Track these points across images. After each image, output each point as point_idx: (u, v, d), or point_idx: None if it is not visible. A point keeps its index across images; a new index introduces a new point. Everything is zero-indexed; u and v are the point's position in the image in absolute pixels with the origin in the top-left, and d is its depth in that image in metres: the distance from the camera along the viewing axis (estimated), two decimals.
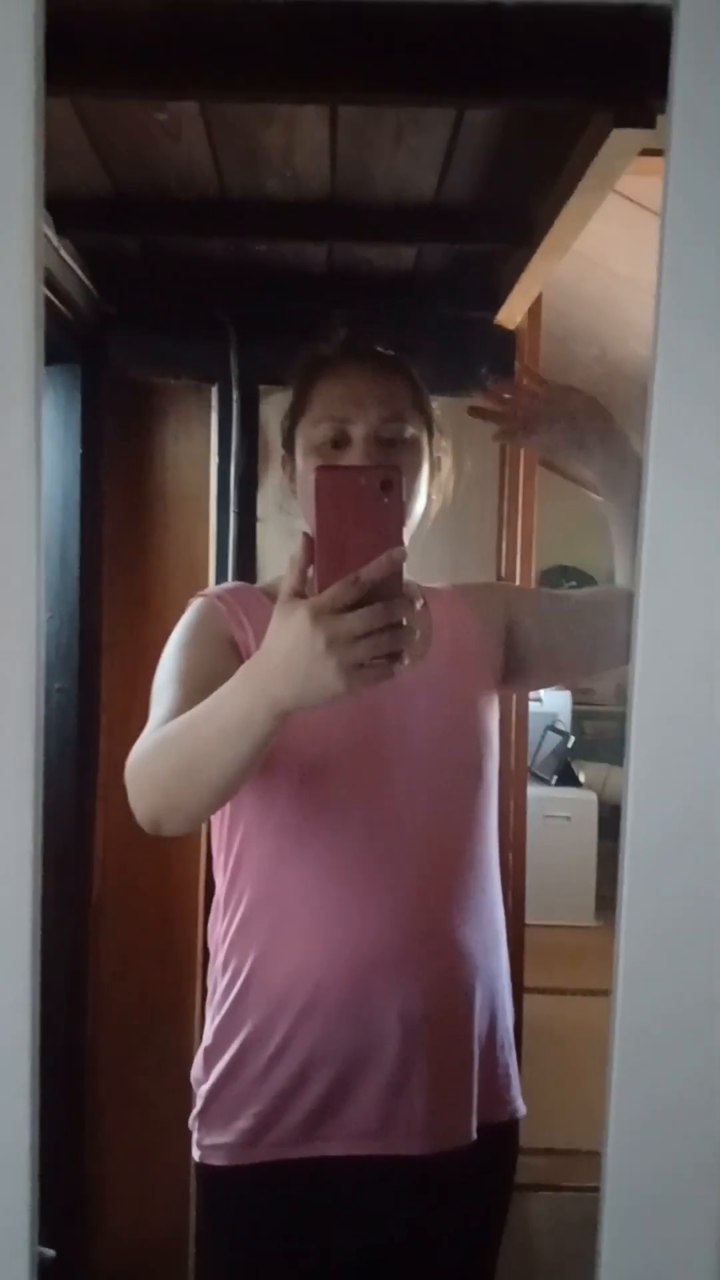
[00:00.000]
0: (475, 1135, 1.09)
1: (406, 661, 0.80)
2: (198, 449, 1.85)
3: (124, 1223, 1.86)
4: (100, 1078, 1.84)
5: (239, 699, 0.85)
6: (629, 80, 0.95)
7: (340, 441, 1.06)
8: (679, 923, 0.63)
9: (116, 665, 1.82)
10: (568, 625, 1.20)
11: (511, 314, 1.68)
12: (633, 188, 1.35)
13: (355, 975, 1.03)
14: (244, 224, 1.52)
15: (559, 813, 3.47)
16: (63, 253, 1.53)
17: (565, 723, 3.89)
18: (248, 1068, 1.06)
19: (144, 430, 1.84)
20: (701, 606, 0.62)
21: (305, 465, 1.08)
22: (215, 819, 1.10)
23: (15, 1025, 0.62)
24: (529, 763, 2.73)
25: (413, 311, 1.66)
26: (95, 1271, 1.85)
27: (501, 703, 1.19)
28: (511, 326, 1.72)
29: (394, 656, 0.79)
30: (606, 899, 3.25)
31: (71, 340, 1.71)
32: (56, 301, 1.58)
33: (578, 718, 3.99)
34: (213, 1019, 1.10)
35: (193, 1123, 1.10)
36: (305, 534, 0.82)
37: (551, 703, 3.88)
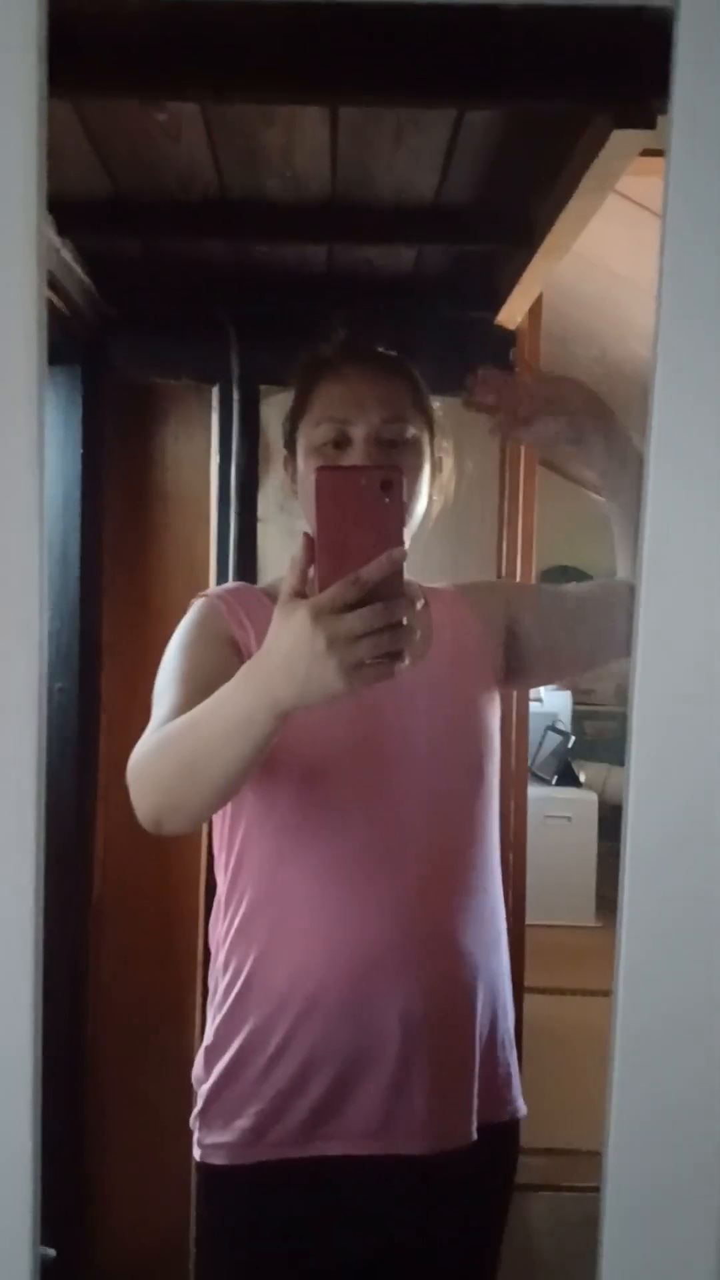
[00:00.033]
0: (476, 1135, 1.09)
1: (407, 661, 0.80)
2: (198, 450, 1.85)
3: (124, 1223, 1.86)
4: (101, 1078, 1.84)
5: (240, 699, 0.85)
6: (629, 81, 0.95)
7: (341, 442, 1.06)
8: (680, 923, 0.63)
9: (117, 665, 1.82)
10: (568, 622, 1.20)
11: (512, 314, 1.68)
12: (633, 188, 1.35)
13: (356, 975, 1.03)
14: (244, 225, 1.52)
15: (559, 813, 3.47)
16: (63, 254, 1.53)
17: (565, 723, 3.89)
18: (248, 1067, 1.06)
19: (145, 431, 1.85)
20: (702, 607, 0.62)
21: (306, 466, 1.08)
22: (216, 819, 1.11)
23: (17, 1025, 0.62)
24: (529, 763, 2.73)
25: (413, 312, 1.66)
26: (95, 1272, 1.85)
27: (502, 703, 1.19)
28: (512, 327, 1.72)
29: (394, 656, 0.79)
30: (607, 899, 3.25)
31: (72, 341, 1.71)
32: (57, 302, 1.58)
33: (578, 718, 3.99)
34: (213, 1018, 1.11)
35: (193, 1122, 1.11)
36: (306, 534, 0.82)
37: (552, 703, 3.88)
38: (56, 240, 1.49)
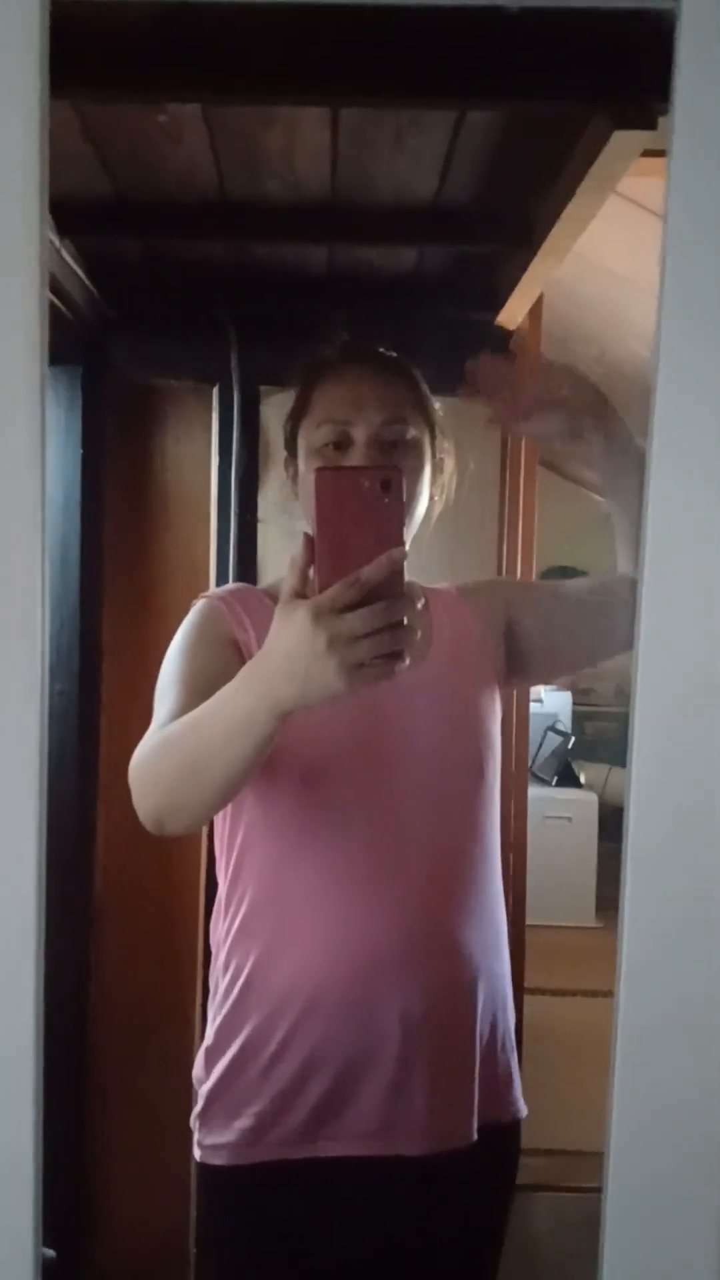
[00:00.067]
0: (476, 1136, 1.09)
1: (407, 661, 0.80)
2: (198, 450, 1.85)
3: (125, 1223, 1.86)
4: (101, 1078, 1.84)
5: (241, 699, 0.85)
6: (629, 82, 0.95)
7: (342, 443, 1.06)
8: (681, 923, 0.63)
9: (117, 667, 1.82)
10: (568, 618, 1.19)
11: (512, 315, 1.68)
12: (633, 189, 1.35)
13: (357, 975, 1.03)
14: (245, 226, 1.52)
15: (559, 813, 3.48)
16: (64, 255, 1.53)
17: (566, 724, 3.89)
18: (249, 1067, 1.06)
19: (145, 431, 1.85)
20: (704, 608, 0.62)
21: (307, 467, 1.08)
22: (217, 819, 1.11)
23: (18, 1026, 0.62)
24: (529, 764, 2.73)
25: (413, 313, 1.66)
26: (96, 1272, 1.85)
27: (502, 703, 1.19)
28: (512, 327, 1.72)
29: (395, 656, 0.79)
30: (607, 900, 3.25)
31: (73, 342, 1.71)
32: (58, 303, 1.58)
33: (578, 718, 3.99)
34: (214, 1018, 1.11)
35: (194, 1122, 1.11)
36: (306, 534, 0.82)
37: (552, 704, 3.88)
38: (57, 241, 1.49)
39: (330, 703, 0.80)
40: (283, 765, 1.02)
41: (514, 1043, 1.17)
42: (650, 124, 1.01)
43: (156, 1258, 1.85)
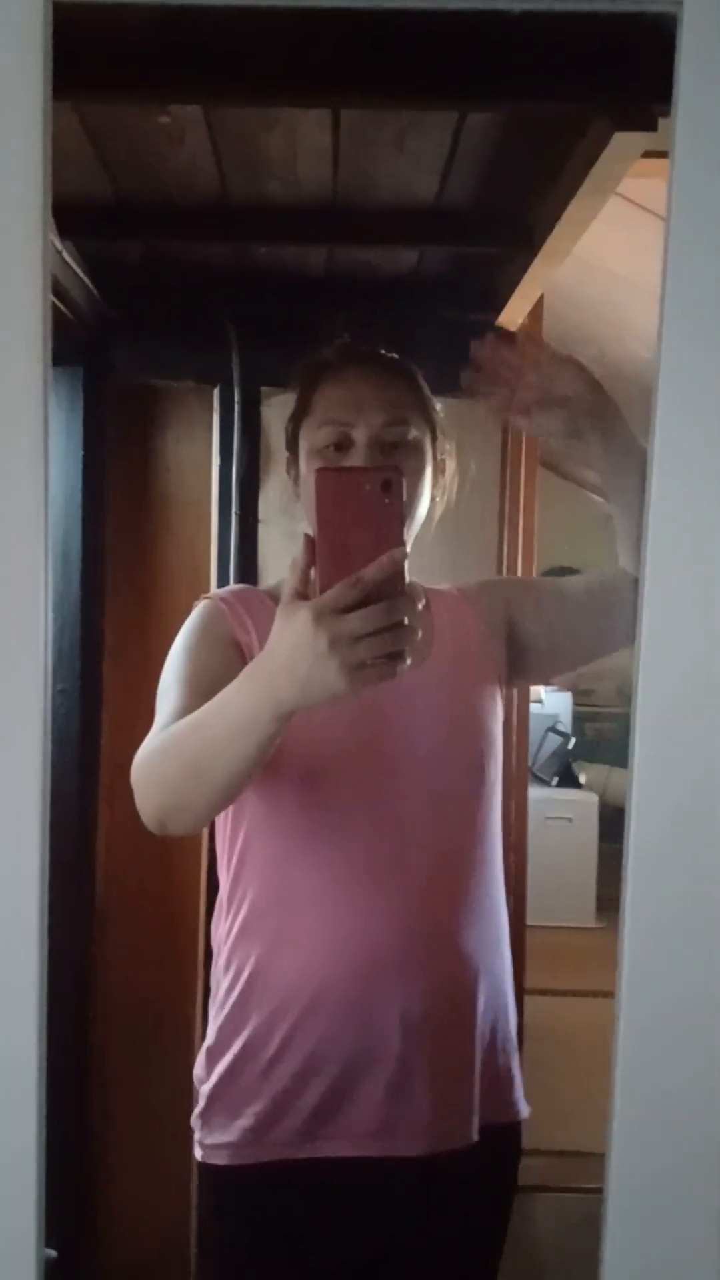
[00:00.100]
0: (476, 1136, 1.09)
1: (409, 661, 0.80)
2: (199, 451, 1.85)
3: (126, 1223, 1.86)
4: (103, 1079, 1.84)
5: (243, 700, 0.85)
6: (630, 83, 0.95)
7: (343, 445, 1.06)
8: (682, 923, 0.63)
9: (119, 667, 1.82)
10: (569, 618, 1.19)
11: (512, 316, 1.68)
12: (633, 190, 1.35)
13: (358, 976, 1.03)
14: (246, 228, 1.53)
15: (560, 814, 3.47)
16: (65, 256, 1.53)
17: (566, 724, 3.89)
18: (249, 1067, 1.06)
19: (146, 433, 1.85)
20: (705, 609, 0.62)
21: (308, 468, 1.08)
22: (219, 819, 1.11)
23: (21, 1027, 0.63)
24: (530, 764, 2.73)
25: (414, 314, 1.66)
26: (97, 1272, 1.85)
27: (503, 704, 1.19)
28: (513, 329, 1.72)
29: (396, 656, 0.79)
30: (607, 900, 3.25)
31: (74, 343, 1.71)
32: (59, 305, 1.58)
33: (578, 719, 3.99)
34: (215, 1018, 1.11)
35: (195, 1122, 1.11)
36: (307, 535, 0.82)
37: (552, 704, 3.88)
38: (58, 243, 1.49)
39: (332, 703, 0.80)
40: (284, 766, 1.02)
41: (515, 1043, 1.17)
42: (651, 125, 1.01)
43: (158, 1258, 1.85)
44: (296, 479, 1.14)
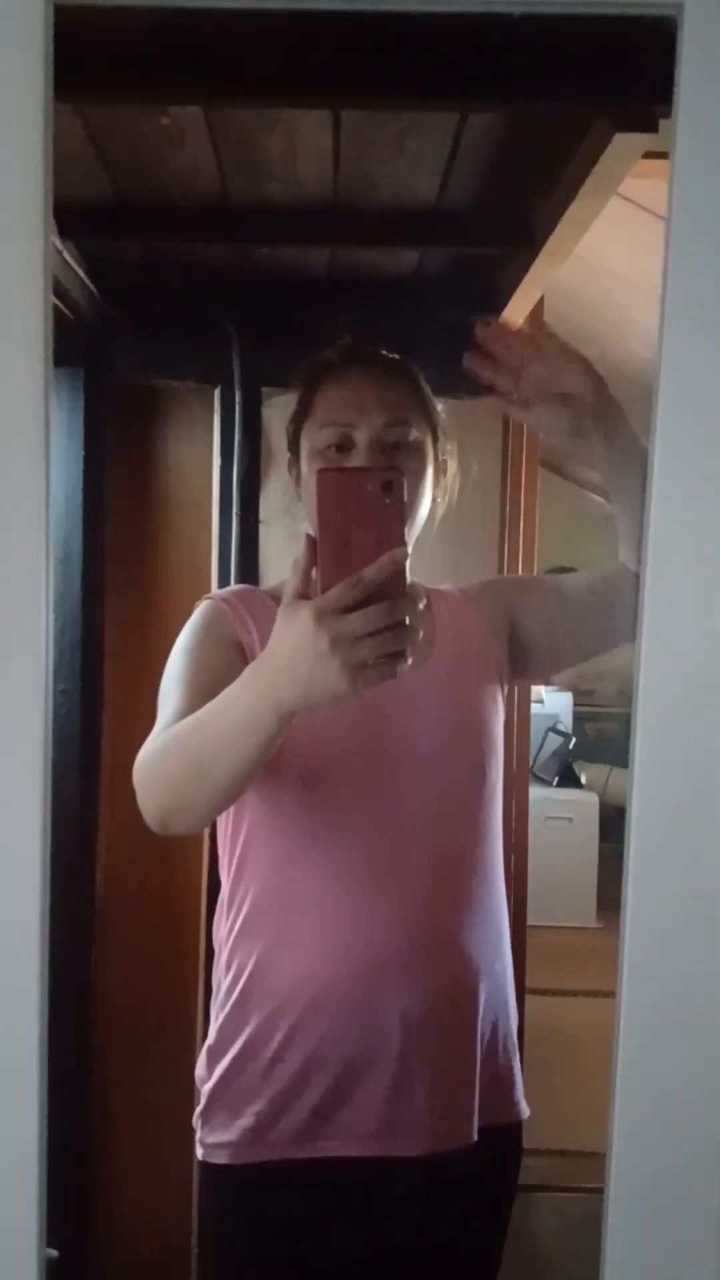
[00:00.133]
0: (476, 1136, 1.09)
1: (410, 661, 0.80)
2: (200, 452, 1.85)
3: (128, 1223, 1.86)
4: (104, 1079, 1.85)
5: (245, 699, 0.85)
6: (631, 84, 0.95)
7: (344, 446, 1.06)
8: (682, 923, 0.63)
9: (119, 667, 1.83)
10: (570, 616, 1.18)
11: (514, 317, 1.68)
12: (634, 190, 1.35)
13: (358, 976, 1.04)
14: (246, 228, 1.53)
15: (560, 814, 3.48)
16: (66, 257, 1.53)
17: (567, 724, 3.89)
18: (250, 1067, 1.06)
19: (147, 433, 1.85)
20: (706, 610, 0.62)
21: (310, 469, 1.08)
22: (220, 819, 1.11)
23: (23, 1027, 0.63)
24: (530, 764, 2.73)
25: (415, 315, 1.66)
26: (98, 1272, 1.85)
27: (504, 704, 1.19)
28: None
29: (397, 656, 0.79)
30: (608, 900, 3.25)
31: (74, 344, 1.72)
32: (60, 305, 1.58)
33: (579, 719, 3.99)
34: (216, 1018, 1.11)
35: (196, 1121, 1.11)
36: (308, 535, 0.82)
37: (553, 704, 3.88)
38: (59, 244, 1.49)
39: (333, 703, 0.80)
40: (285, 765, 1.02)
41: (516, 1044, 1.17)
42: (652, 126, 1.01)
43: (159, 1257, 1.85)
44: (298, 479, 1.14)
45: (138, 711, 1.06)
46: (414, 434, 1.08)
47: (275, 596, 1.10)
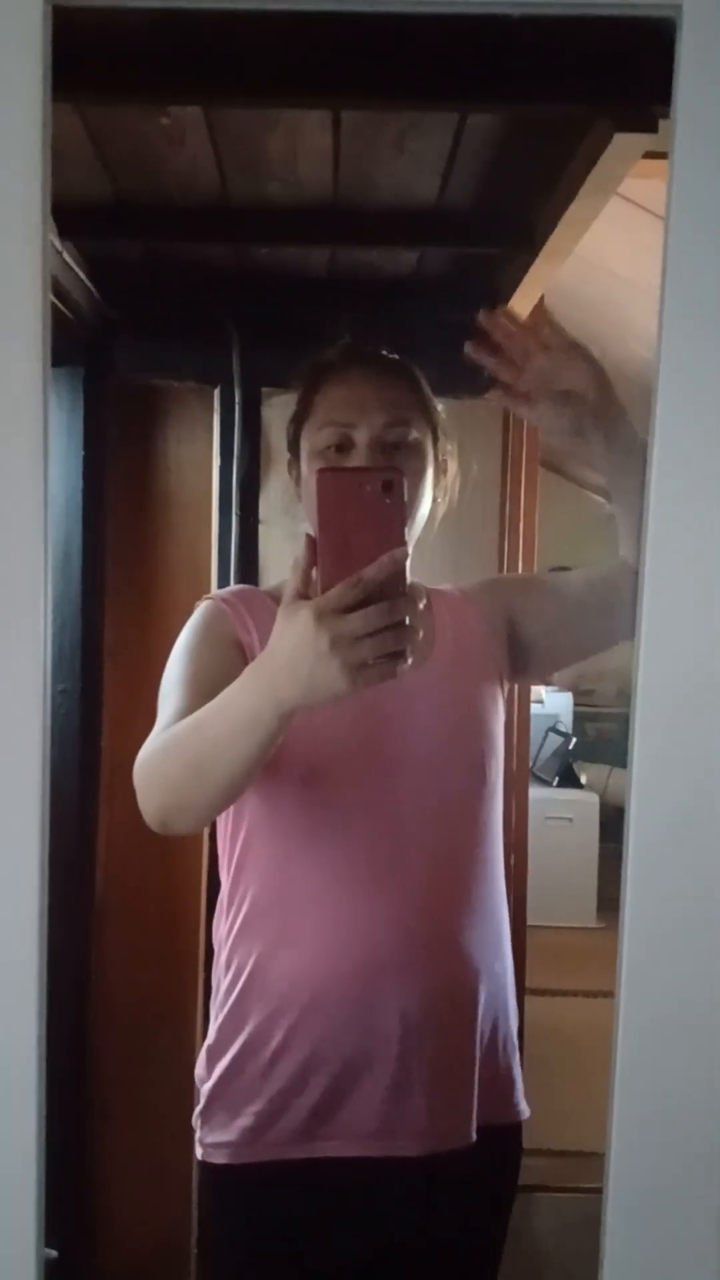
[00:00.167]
0: (475, 1136, 1.09)
1: (410, 661, 0.80)
2: (200, 452, 1.85)
3: (127, 1223, 1.86)
4: (103, 1078, 1.85)
5: (245, 699, 0.85)
6: (631, 84, 0.95)
7: (344, 446, 1.06)
8: (681, 923, 0.63)
9: (119, 667, 1.83)
10: (569, 615, 1.18)
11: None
12: (634, 190, 1.35)
13: (357, 976, 1.04)
14: (246, 228, 1.53)
15: (561, 814, 3.48)
16: (66, 257, 1.53)
17: (567, 724, 3.89)
18: (249, 1066, 1.06)
19: (146, 433, 1.85)
20: (704, 610, 0.62)
21: (310, 469, 1.08)
22: (220, 819, 1.11)
23: (21, 1026, 0.63)
24: (530, 764, 2.73)
25: (415, 315, 1.66)
26: (98, 1272, 1.85)
27: (504, 704, 1.19)
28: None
29: (397, 656, 0.79)
30: (608, 900, 3.25)
31: (74, 343, 1.72)
32: (60, 305, 1.58)
33: (579, 719, 3.99)
34: (216, 1017, 1.11)
35: (196, 1121, 1.11)
36: (308, 535, 0.83)
37: (553, 704, 3.88)
38: (59, 243, 1.49)
39: (333, 703, 0.80)
40: (285, 765, 1.02)
41: (516, 1044, 1.17)
42: (651, 126, 1.01)
43: (158, 1257, 1.85)
44: (298, 480, 1.14)
45: (137, 711, 1.06)
46: (414, 434, 1.08)
47: (275, 597, 1.10)
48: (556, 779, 3.68)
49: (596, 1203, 0.66)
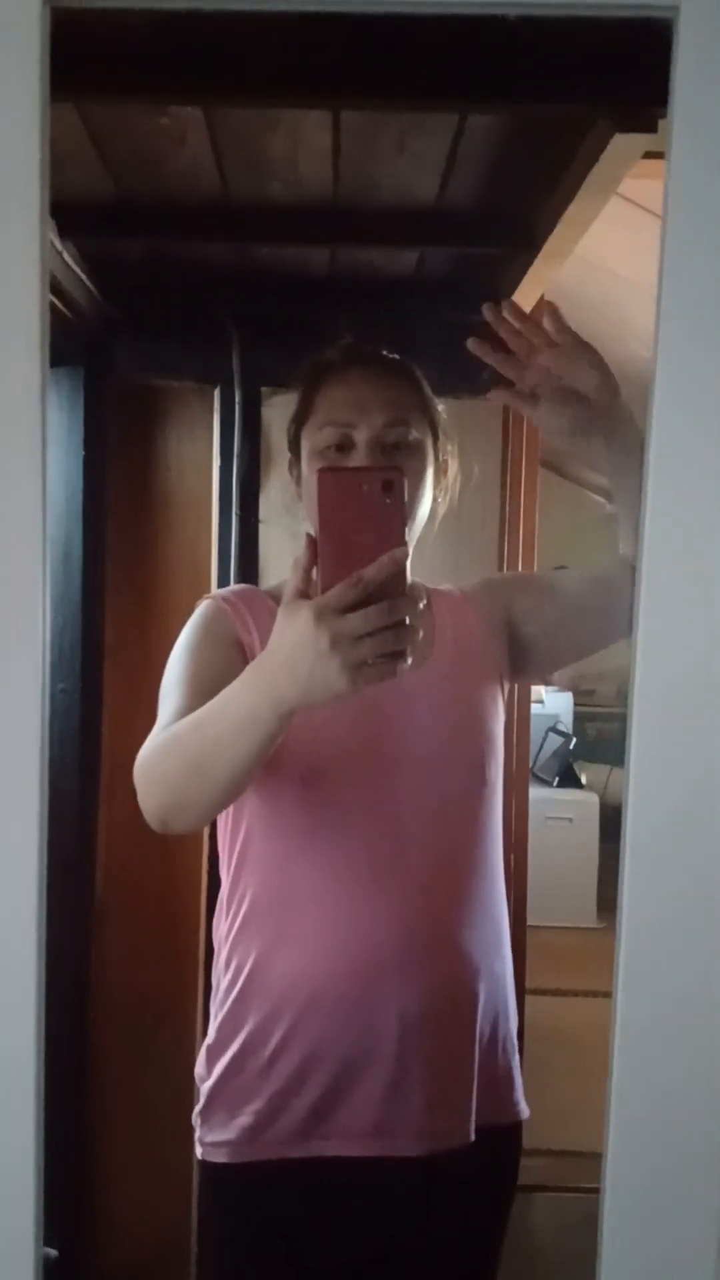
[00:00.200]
0: (474, 1136, 1.09)
1: (410, 661, 0.80)
2: (200, 451, 1.85)
3: (126, 1222, 1.86)
4: (103, 1077, 1.85)
5: (245, 698, 0.86)
6: (630, 85, 0.95)
7: (344, 446, 1.06)
8: (679, 923, 0.63)
9: (119, 666, 1.83)
10: (569, 614, 1.18)
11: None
12: (634, 190, 1.35)
13: (356, 975, 1.04)
14: (247, 228, 1.53)
15: (561, 814, 3.48)
16: (66, 256, 1.53)
17: (567, 724, 3.89)
18: (249, 1065, 1.07)
19: (147, 433, 1.85)
20: (702, 610, 0.62)
21: (310, 469, 1.08)
22: (220, 818, 1.11)
23: (19, 1025, 0.63)
24: (531, 764, 2.73)
25: (415, 315, 1.66)
26: (97, 1271, 1.85)
27: (504, 704, 1.19)
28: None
29: (397, 655, 0.79)
30: (608, 900, 3.24)
31: (75, 343, 1.72)
32: (60, 305, 1.58)
33: (579, 719, 3.99)
34: (215, 1016, 1.11)
35: (195, 1120, 1.11)
36: (309, 535, 0.83)
37: (553, 704, 3.88)
38: (58, 243, 1.49)
39: (333, 702, 0.80)
40: (285, 765, 1.02)
41: (515, 1044, 1.17)
42: (651, 127, 1.02)
43: (157, 1257, 1.85)
44: (299, 479, 1.14)
45: (137, 710, 1.06)
46: (414, 434, 1.08)
47: (275, 596, 1.10)
48: (556, 779, 3.68)
49: (596, 1203, 0.66)
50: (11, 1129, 0.63)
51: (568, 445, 1.03)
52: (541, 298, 1.68)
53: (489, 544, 1.84)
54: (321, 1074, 1.05)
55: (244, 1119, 1.06)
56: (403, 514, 0.81)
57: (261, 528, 1.85)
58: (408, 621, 0.79)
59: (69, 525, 1.75)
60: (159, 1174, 1.81)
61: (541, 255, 1.41)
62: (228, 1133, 1.07)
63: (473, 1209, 1.14)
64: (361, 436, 1.05)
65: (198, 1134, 1.10)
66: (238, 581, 1.80)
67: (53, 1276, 0.70)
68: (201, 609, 1.13)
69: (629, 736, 0.62)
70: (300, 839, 1.06)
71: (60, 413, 1.75)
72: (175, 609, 1.71)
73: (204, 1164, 1.10)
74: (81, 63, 0.94)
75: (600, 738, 3.99)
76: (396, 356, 1.14)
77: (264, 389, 1.81)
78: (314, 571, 0.81)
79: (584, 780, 3.69)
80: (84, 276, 1.61)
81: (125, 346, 1.78)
